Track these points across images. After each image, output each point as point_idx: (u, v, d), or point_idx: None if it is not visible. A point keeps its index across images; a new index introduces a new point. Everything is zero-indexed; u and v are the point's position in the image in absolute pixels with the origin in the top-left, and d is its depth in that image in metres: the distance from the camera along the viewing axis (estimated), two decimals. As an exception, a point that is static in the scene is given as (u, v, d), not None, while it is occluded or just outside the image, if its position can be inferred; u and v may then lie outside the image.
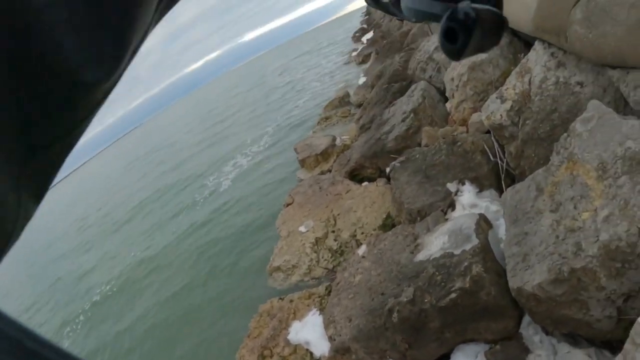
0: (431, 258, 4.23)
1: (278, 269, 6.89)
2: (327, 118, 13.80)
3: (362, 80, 16.64)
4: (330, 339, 4.68)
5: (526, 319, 3.75)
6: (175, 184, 19.83)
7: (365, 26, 41.53)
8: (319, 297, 5.73)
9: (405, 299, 3.97)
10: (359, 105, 12.97)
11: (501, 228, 4.36)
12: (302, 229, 7.13)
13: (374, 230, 6.34)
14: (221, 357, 6.57)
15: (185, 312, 8.46)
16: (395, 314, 4.00)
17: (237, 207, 11.91)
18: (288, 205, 8.02)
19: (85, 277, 14.65)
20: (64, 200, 46.95)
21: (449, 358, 4.20)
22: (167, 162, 27.48)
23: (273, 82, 38.22)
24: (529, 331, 3.75)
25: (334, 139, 9.86)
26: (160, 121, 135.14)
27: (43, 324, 12.46)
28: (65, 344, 10.98)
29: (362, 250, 5.37)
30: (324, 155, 9.43)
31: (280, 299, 6.10)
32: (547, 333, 3.53)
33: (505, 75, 5.57)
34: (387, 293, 4.26)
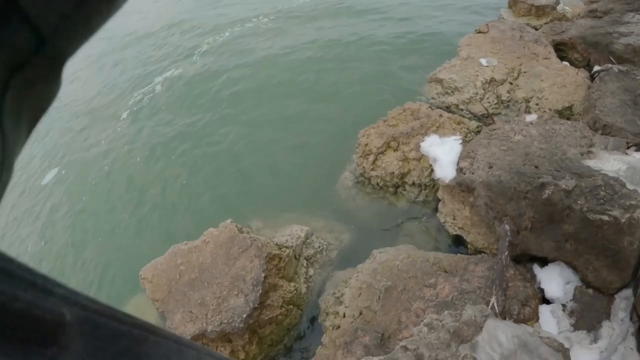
0: (601, 171, 4.08)
1: (439, 81, 6.76)
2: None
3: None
4: (460, 170, 4.75)
5: (627, 293, 3.77)
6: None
7: None
8: (467, 129, 5.67)
9: (563, 186, 3.92)
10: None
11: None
12: (483, 61, 6.77)
13: (550, 109, 5.96)
14: (347, 131, 6.90)
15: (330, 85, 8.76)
16: (546, 192, 3.98)
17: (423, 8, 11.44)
18: (480, 32, 7.53)
19: None
20: None
21: (546, 264, 4.31)
22: None
23: None
24: (621, 304, 3.78)
25: (558, 2, 8.85)
26: None
27: None
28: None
29: (531, 117, 5.15)
30: (539, 10, 8.50)
31: (431, 107, 6.09)
32: (631, 318, 3.61)
33: None
34: (543, 170, 4.19)
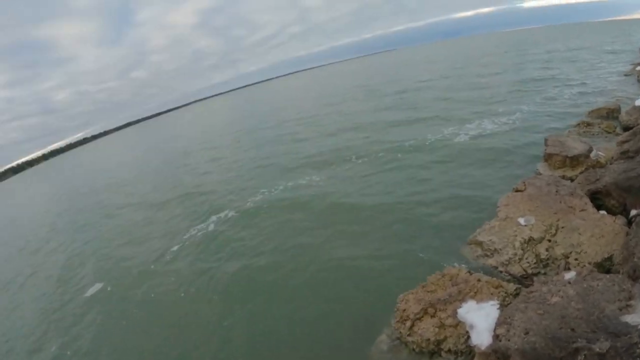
0: (639, 327, 4.04)
1: (479, 244, 7.04)
2: (588, 124, 12.59)
3: (639, 102, 14.83)
4: (497, 337, 4.75)
5: None
6: (412, 123, 20.42)
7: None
8: (505, 293, 5.77)
9: (597, 349, 3.89)
10: (628, 128, 11.57)
11: None
12: (521, 220, 7.08)
13: (589, 263, 6.02)
14: (384, 293, 7.13)
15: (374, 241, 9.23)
16: (580, 357, 3.95)
17: (462, 164, 12.15)
18: (518, 191, 7.93)
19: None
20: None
21: None
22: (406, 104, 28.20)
23: (533, 60, 35.63)
24: None
25: (590, 150, 9.15)
26: (418, 52, 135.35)
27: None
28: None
29: (569, 275, 5.21)
30: (574, 161, 8.89)
31: (469, 272, 6.30)
32: None
33: None
34: (579, 333, 4.17)
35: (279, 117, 39.34)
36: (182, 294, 10.08)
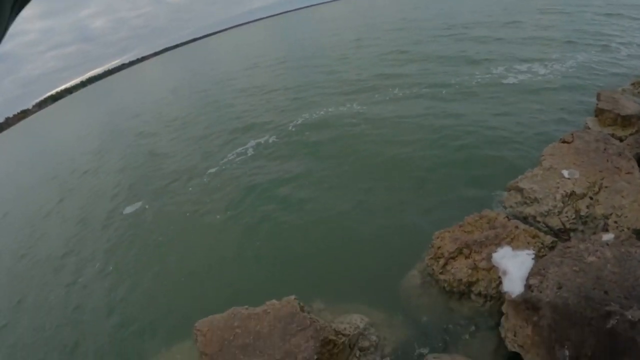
0: None
1: (520, 190, 7.01)
2: (646, 84, 12.12)
3: None
4: (529, 287, 4.82)
5: None
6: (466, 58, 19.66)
7: None
8: (542, 244, 5.80)
9: (629, 317, 3.96)
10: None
11: None
12: (565, 173, 6.95)
13: (628, 229, 5.99)
14: (419, 230, 7.27)
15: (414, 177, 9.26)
16: (611, 321, 4.03)
17: (508, 107, 11.84)
18: (565, 142, 7.74)
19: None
20: None
21: None
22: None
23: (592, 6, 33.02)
24: None
25: (645, 111, 8.89)
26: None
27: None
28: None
29: (608, 237, 5.18)
30: (625, 120, 8.58)
31: (507, 217, 6.34)
32: None
33: None
34: (613, 297, 4.22)
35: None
36: (218, 216, 10.38)
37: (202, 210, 11.08)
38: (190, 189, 12.81)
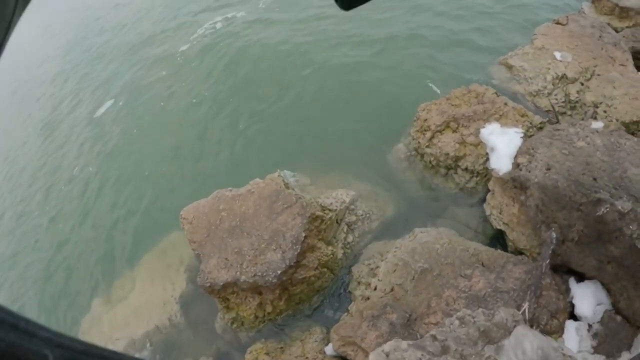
0: None
1: (509, 67, 6.46)
2: (643, -25, 11.54)
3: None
4: (517, 165, 4.58)
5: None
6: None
7: None
8: (530, 124, 5.41)
9: (619, 207, 3.78)
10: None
11: None
12: (557, 54, 6.44)
13: (617, 120, 5.68)
14: (408, 101, 6.74)
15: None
16: (600, 209, 3.86)
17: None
18: (559, 23, 7.19)
19: None
20: None
21: (582, 280, 4.23)
22: None
23: None
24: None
25: (644, 5, 8.38)
26: None
27: None
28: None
29: (597, 124, 4.87)
30: (623, 12, 7.96)
31: (496, 93, 5.89)
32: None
33: None
34: (602, 185, 4.02)
35: None
36: (194, 100, 9.34)
37: (178, 96, 10.00)
38: (164, 72, 11.46)
